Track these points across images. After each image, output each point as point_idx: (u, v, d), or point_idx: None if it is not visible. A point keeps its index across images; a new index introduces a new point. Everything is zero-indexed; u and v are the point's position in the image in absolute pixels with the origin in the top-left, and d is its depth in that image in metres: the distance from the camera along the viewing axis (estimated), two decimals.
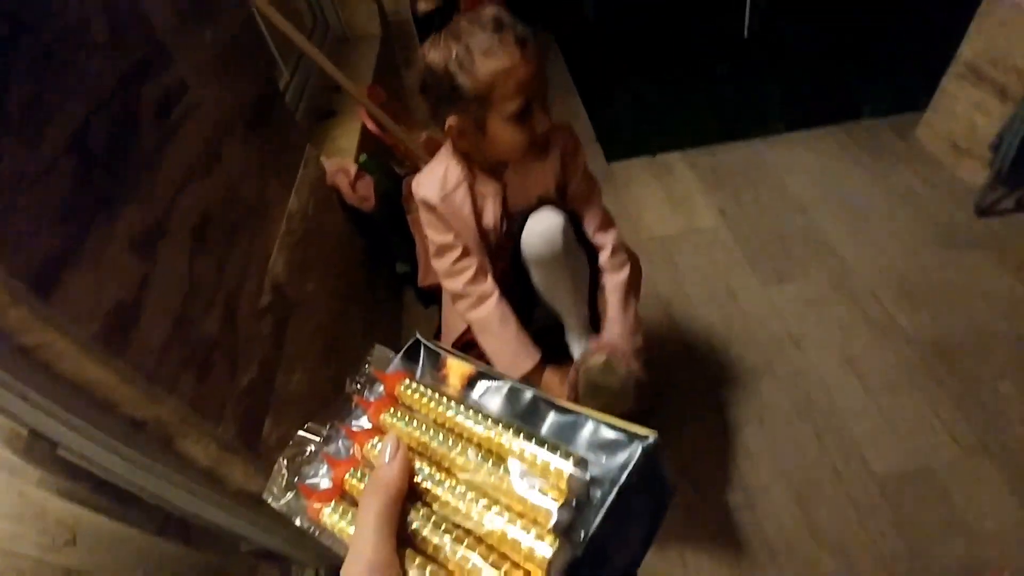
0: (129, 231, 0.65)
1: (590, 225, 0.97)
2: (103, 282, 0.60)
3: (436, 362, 0.35)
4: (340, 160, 1.42)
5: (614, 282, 0.98)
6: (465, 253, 0.93)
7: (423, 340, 0.37)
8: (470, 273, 0.94)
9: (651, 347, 1.52)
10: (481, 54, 0.73)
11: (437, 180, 0.90)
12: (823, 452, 1.29)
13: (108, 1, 0.67)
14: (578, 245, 0.95)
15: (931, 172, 1.89)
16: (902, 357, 1.43)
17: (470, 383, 0.33)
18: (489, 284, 0.95)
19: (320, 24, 2.09)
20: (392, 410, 0.33)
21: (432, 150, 1.76)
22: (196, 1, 0.88)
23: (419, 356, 0.36)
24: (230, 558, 1.10)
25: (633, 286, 1.02)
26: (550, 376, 0.99)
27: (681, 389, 1.44)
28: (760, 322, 1.56)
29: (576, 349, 1.06)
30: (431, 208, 0.91)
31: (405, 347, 0.38)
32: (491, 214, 0.91)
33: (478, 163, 0.90)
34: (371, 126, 1.59)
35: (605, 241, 0.98)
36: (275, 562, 1.16)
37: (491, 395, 0.32)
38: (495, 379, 0.32)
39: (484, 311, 0.94)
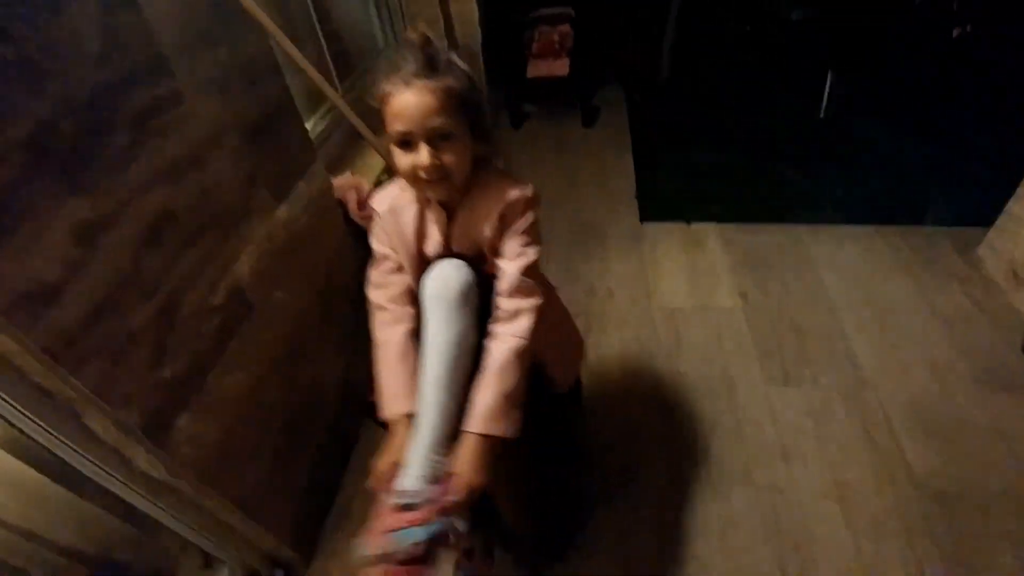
0: (71, 219, 0.71)
1: (500, 285, 0.86)
2: (27, 264, 0.66)
3: None
4: (353, 177, 1.49)
5: (497, 349, 0.82)
6: (398, 270, 0.94)
7: None
8: (395, 290, 0.93)
9: (626, 412, 1.45)
10: (383, 71, 0.77)
11: (392, 194, 0.92)
12: None
13: (108, 19, 0.75)
14: (472, 323, 0.84)
15: (985, 296, 1.67)
16: (900, 498, 1.25)
17: None
18: (407, 312, 0.92)
19: (390, 46, 2.23)
20: None
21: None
22: (211, 23, 0.97)
23: None
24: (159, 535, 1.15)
25: (519, 368, 0.82)
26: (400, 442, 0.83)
27: (645, 471, 1.35)
28: (752, 422, 1.43)
29: (414, 464, 0.79)
30: (378, 217, 0.93)
31: None
32: (433, 243, 0.90)
33: (427, 196, 0.89)
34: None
35: (506, 305, 0.85)
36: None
37: None
38: None
39: (391, 336, 0.90)
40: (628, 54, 2.88)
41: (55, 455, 0.87)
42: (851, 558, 1.17)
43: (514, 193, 0.85)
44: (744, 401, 1.48)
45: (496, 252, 0.89)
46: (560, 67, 2.44)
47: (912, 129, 2.36)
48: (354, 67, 2.03)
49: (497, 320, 0.85)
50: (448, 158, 0.78)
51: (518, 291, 0.85)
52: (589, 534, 1.24)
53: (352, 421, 1.47)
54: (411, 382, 0.85)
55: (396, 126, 0.76)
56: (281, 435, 1.17)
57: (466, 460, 0.78)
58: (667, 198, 2.21)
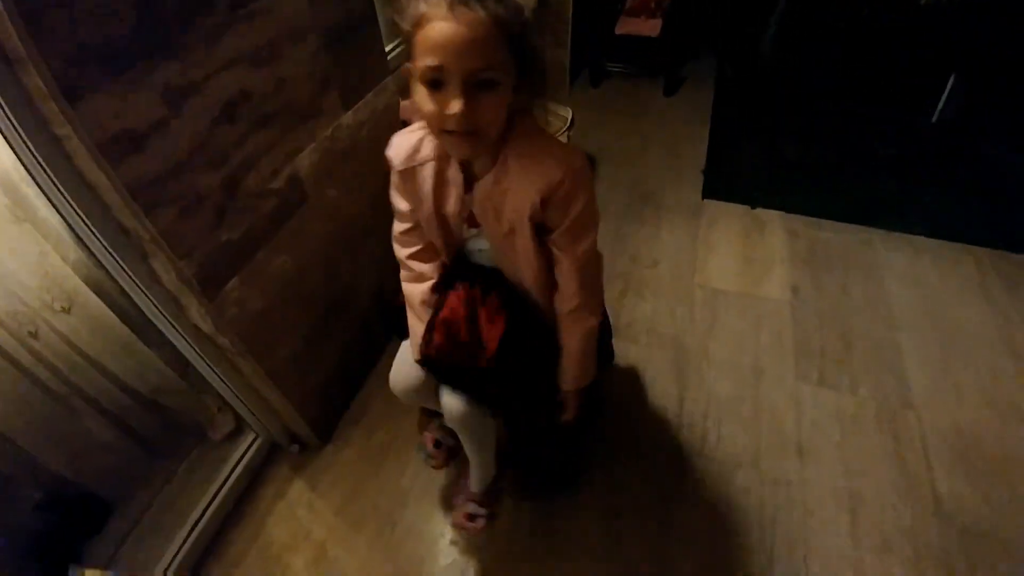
0: (164, 80, 0.79)
1: (559, 277, 0.86)
2: (124, 110, 0.75)
3: None
4: None
5: (572, 338, 0.91)
6: (415, 227, 0.92)
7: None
8: (415, 249, 0.93)
9: (642, 377, 1.45)
10: None
11: (408, 147, 0.82)
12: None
13: None
14: (482, 419, 0.99)
15: None
16: (919, 525, 1.19)
17: None
18: (430, 268, 0.93)
19: None
20: None
21: None
22: None
23: None
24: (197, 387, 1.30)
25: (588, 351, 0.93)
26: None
27: (651, 433, 1.35)
28: (772, 413, 1.39)
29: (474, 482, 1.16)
30: (393, 171, 0.85)
31: None
32: (453, 204, 0.83)
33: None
34: None
35: (571, 298, 0.86)
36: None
37: None
38: None
39: (416, 290, 0.93)
40: (729, 25, 2.70)
41: (125, 295, 1.00)
42: (848, 567, 1.13)
43: (557, 172, 0.72)
44: (768, 391, 1.44)
45: (537, 226, 0.80)
46: (652, 27, 2.34)
47: None
48: None
49: (563, 310, 0.88)
50: (484, 112, 0.64)
51: (580, 286, 0.84)
52: (585, 482, 1.28)
53: (383, 329, 1.56)
54: None
55: (427, 59, 0.61)
56: (316, 322, 1.27)
57: (568, 405, 0.99)
58: (736, 179, 2.11)
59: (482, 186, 0.78)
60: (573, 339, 0.90)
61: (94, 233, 0.84)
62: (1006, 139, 2.14)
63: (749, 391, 1.44)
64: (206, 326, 1.00)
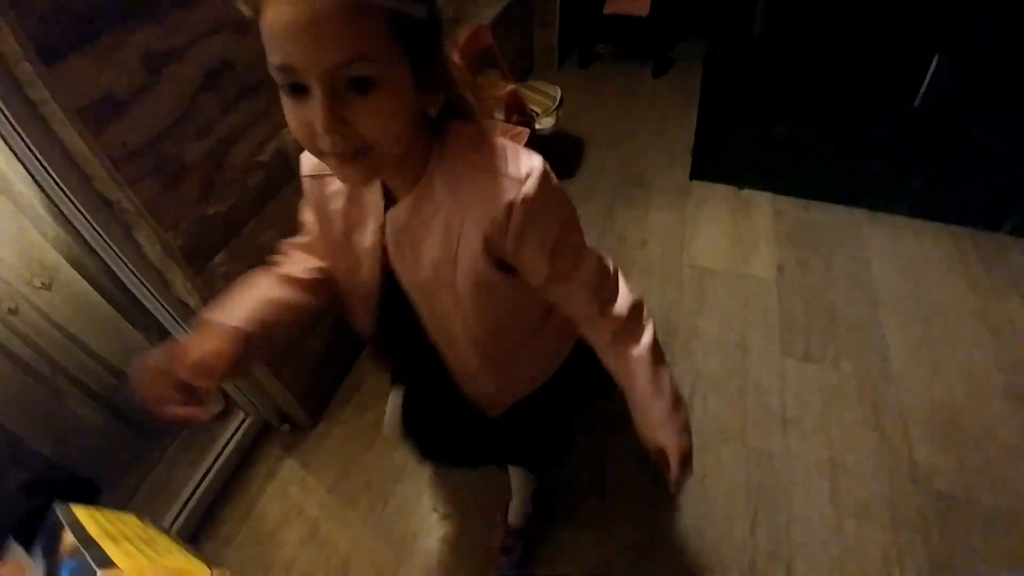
0: (144, 45, 0.77)
1: (580, 316, 0.67)
2: (103, 74, 0.73)
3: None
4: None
5: (636, 354, 0.65)
6: (307, 248, 0.71)
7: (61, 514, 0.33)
8: (293, 268, 0.69)
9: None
10: None
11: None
12: (750, 541, 1.17)
13: None
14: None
15: None
16: (896, 491, 1.23)
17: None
18: (304, 270, 0.69)
19: None
20: None
21: (510, 107, 1.79)
22: None
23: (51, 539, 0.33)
24: None
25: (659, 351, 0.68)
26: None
27: None
28: (757, 387, 1.42)
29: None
30: (301, 177, 0.66)
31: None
32: (367, 237, 0.63)
33: None
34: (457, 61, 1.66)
35: (605, 324, 0.65)
36: None
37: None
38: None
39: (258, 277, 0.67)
40: (719, 6, 2.69)
41: (107, 272, 0.98)
42: (829, 531, 1.17)
43: (500, 199, 0.53)
44: (755, 367, 1.46)
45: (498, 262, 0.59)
46: (641, 6, 2.32)
47: (1013, 131, 2.13)
48: None
49: (602, 344, 0.67)
50: (365, 121, 0.46)
51: (606, 303, 0.65)
52: (573, 457, 1.29)
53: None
54: (239, 299, 0.63)
55: (273, 56, 0.43)
56: None
57: (670, 457, 0.69)
58: (724, 160, 2.12)
59: (395, 215, 0.58)
60: (634, 367, 0.66)
61: (75, 205, 0.82)
62: (987, 121, 2.17)
63: (736, 366, 1.46)
64: (193, 301, 0.99)
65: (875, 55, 2.47)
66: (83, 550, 0.35)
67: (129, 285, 0.98)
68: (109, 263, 0.93)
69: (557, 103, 1.86)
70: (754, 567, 1.12)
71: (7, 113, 0.70)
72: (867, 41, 2.43)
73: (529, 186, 0.52)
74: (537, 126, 1.80)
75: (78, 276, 1.07)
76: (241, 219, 1.01)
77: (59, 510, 0.42)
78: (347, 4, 0.41)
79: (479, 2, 2.12)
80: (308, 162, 0.64)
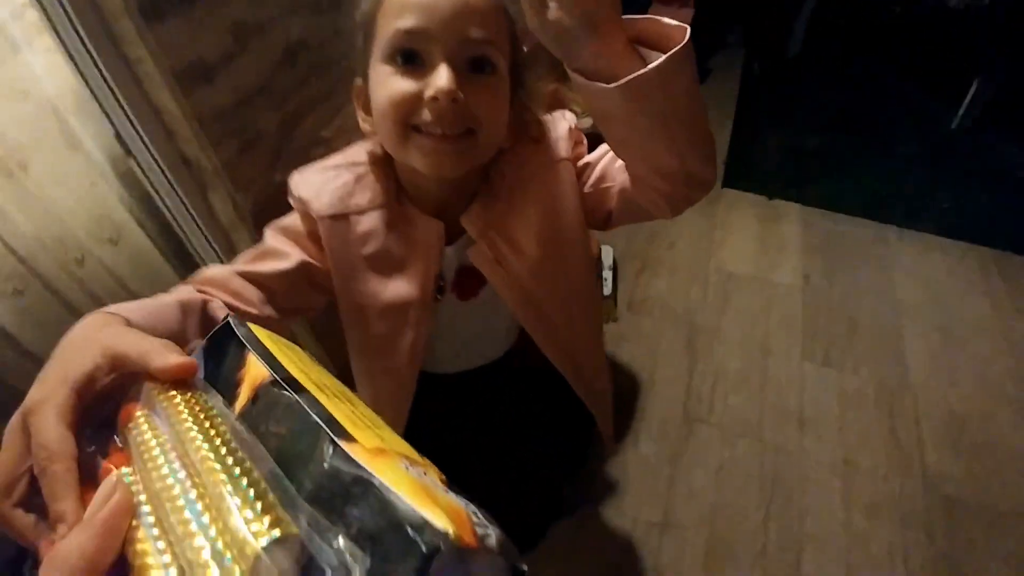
0: (234, 15, 0.83)
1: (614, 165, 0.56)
2: (197, 38, 0.79)
3: (239, 360, 0.27)
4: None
5: None
6: (268, 291, 0.53)
7: (235, 324, 0.29)
8: (241, 303, 0.50)
9: (653, 347, 1.51)
10: None
11: (337, 187, 0.55)
12: (761, 531, 1.21)
13: None
14: None
15: None
16: (906, 492, 1.26)
17: (256, 397, 0.25)
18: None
19: None
20: (146, 413, 0.26)
21: (551, 105, 1.84)
22: None
23: (225, 346, 0.28)
24: None
25: None
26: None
27: (659, 399, 1.42)
28: (777, 387, 1.46)
29: None
30: (306, 218, 0.56)
31: (213, 331, 0.29)
32: (416, 277, 0.55)
33: (408, 184, 0.55)
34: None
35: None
36: None
37: (278, 416, 0.23)
38: (287, 393, 0.23)
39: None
40: (759, 18, 2.71)
41: (167, 233, 1.04)
42: (838, 526, 1.21)
43: (563, 124, 0.56)
44: (775, 368, 1.50)
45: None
46: (683, 16, 2.35)
47: None
48: None
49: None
50: (481, 99, 0.45)
51: None
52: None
53: None
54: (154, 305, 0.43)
55: (401, 21, 0.43)
56: None
57: None
58: (755, 169, 2.15)
59: (476, 214, 0.53)
60: None
61: (157, 161, 0.88)
62: (1021, 146, 2.18)
63: (756, 367, 1.50)
64: None
65: (914, 76, 2.48)
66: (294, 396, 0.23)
67: (195, 243, 1.04)
68: (179, 221, 0.99)
69: None
70: (765, 554, 1.16)
71: (102, 67, 0.76)
72: (906, 63, 2.44)
73: (570, 116, 0.58)
74: (579, 124, 1.84)
75: (143, 235, 1.13)
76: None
77: (235, 325, 0.29)
78: (495, 3, 0.45)
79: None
80: (324, 198, 0.54)
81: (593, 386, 0.72)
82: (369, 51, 0.48)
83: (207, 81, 0.82)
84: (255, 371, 0.25)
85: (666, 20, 0.40)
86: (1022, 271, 1.76)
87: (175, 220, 1.00)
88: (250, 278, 0.52)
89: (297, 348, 0.32)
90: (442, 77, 0.42)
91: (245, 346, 0.27)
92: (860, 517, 1.22)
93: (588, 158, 0.58)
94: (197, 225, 0.99)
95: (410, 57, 0.44)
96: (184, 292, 0.45)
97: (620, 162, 0.53)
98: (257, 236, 1.00)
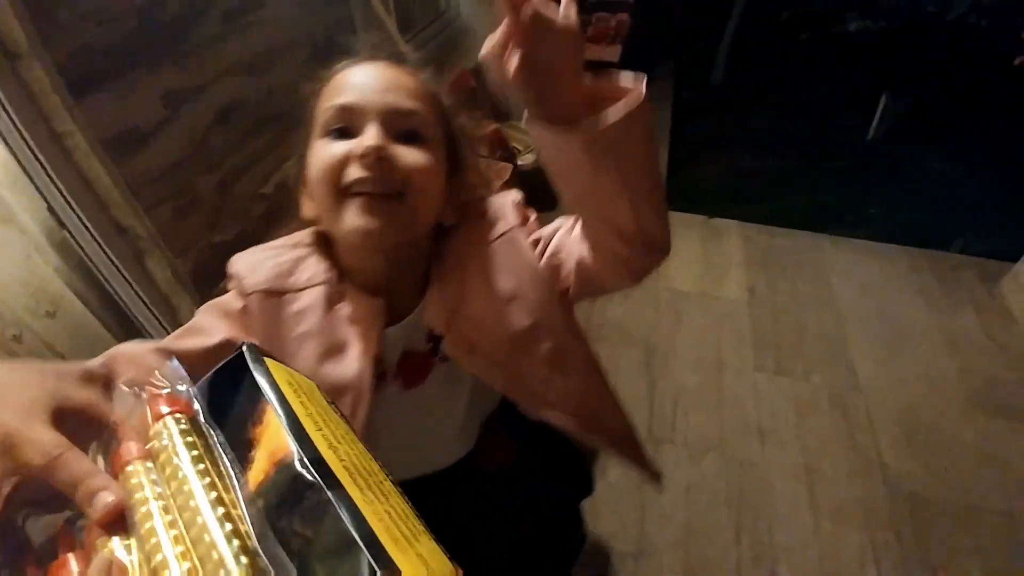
0: (164, 83, 0.85)
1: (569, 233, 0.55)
2: (127, 108, 0.80)
3: (254, 408, 0.24)
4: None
5: None
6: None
7: (251, 357, 0.26)
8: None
9: (612, 369, 1.52)
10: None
11: (276, 264, 0.53)
12: (734, 547, 1.21)
13: None
14: None
15: (999, 327, 1.67)
16: (869, 493, 1.29)
17: (276, 471, 0.22)
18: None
19: (453, 9, 2.35)
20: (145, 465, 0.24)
21: (493, 144, 1.91)
22: None
23: (237, 382, 0.26)
24: None
25: None
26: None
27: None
28: (735, 401, 1.49)
29: None
30: (239, 296, 0.53)
31: (225, 361, 0.27)
32: (353, 359, 0.51)
33: (349, 264, 0.54)
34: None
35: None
36: None
37: (305, 515, 0.21)
38: (315, 481, 0.21)
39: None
40: (683, 51, 2.91)
41: (107, 303, 1.02)
42: (809, 534, 1.22)
43: (507, 199, 0.57)
44: (731, 382, 1.54)
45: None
46: (610, 53, 2.51)
47: (958, 158, 2.33)
48: (414, 25, 2.15)
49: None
50: (410, 162, 0.46)
51: None
52: None
53: None
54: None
55: (336, 99, 0.47)
56: None
57: None
58: (693, 191, 2.26)
59: (435, 305, 0.53)
60: None
61: (90, 232, 0.88)
62: (932, 150, 2.38)
63: (713, 382, 1.54)
64: None
65: (829, 95, 2.70)
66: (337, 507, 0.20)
67: (135, 311, 1.02)
68: (117, 290, 0.98)
69: None
70: (740, 570, 1.17)
71: (31, 142, 0.76)
72: (820, 84, 2.66)
73: (514, 193, 0.58)
74: (519, 162, 1.91)
75: (82, 306, 1.10)
76: (244, 247, 1.07)
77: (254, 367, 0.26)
78: (419, 83, 0.50)
79: (461, 50, 2.27)
80: (260, 273, 0.52)
81: (615, 431, 0.65)
82: (308, 135, 0.50)
83: (139, 148, 0.83)
84: (276, 438, 0.23)
85: (624, 74, 0.41)
86: (950, 267, 1.89)
87: (113, 289, 0.98)
88: (168, 356, 0.45)
89: (313, 387, 0.30)
90: (370, 135, 0.45)
91: (261, 393, 0.24)
92: (828, 523, 1.24)
93: (540, 233, 0.56)
94: (136, 293, 0.97)
95: (343, 131, 0.47)
96: (94, 363, 0.43)
97: (576, 232, 0.52)
98: (199, 300, 0.99)
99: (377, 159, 0.44)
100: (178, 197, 0.91)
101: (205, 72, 0.92)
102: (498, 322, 0.53)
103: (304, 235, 0.56)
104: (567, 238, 0.54)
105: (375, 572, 0.19)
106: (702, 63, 2.91)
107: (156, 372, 0.28)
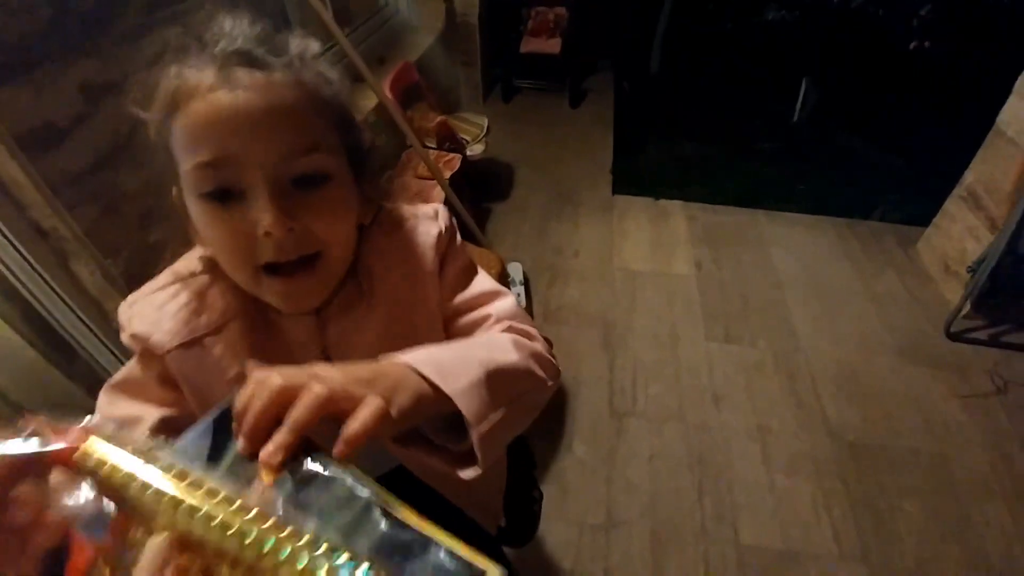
0: (82, 77, 0.80)
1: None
2: (42, 102, 0.75)
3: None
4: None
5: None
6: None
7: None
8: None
9: (575, 351, 1.56)
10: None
11: (178, 309, 0.47)
12: (698, 507, 1.26)
13: None
14: None
15: (918, 285, 1.83)
16: (816, 445, 1.38)
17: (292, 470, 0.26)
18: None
19: (391, 7, 2.32)
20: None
21: (441, 136, 1.90)
22: None
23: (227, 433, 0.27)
24: None
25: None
26: None
27: (586, 401, 1.46)
28: (690, 370, 1.56)
29: None
30: (148, 360, 0.48)
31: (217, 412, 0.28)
32: None
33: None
34: (389, 95, 1.76)
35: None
36: None
37: (317, 489, 0.25)
38: (327, 467, 0.25)
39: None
40: (621, 43, 3.00)
41: (30, 318, 0.95)
42: (765, 489, 1.29)
43: (432, 227, 0.52)
44: (686, 353, 1.60)
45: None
46: (552, 46, 2.56)
47: (873, 137, 2.52)
48: (352, 19, 2.11)
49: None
50: (320, 217, 0.41)
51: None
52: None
53: None
54: None
55: (199, 153, 0.38)
56: None
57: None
58: (640, 176, 2.34)
59: (335, 315, 0.48)
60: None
61: (5, 235, 0.81)
62: (850, 129, 2.56)
63: (669, 354, 1.60)
64: None
65: (755, 82, 2.85)
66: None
67: (62, 320, 0.95)
68: (40, 298, 0.91)
69: (485, 131, 1.99)
70: (705, 529, 1.22)
71: None
72: (747, 71, 2.82)
73: (444, 214, 0.53)
74: (468, 152, 1.91)
75: (11, 331, 1.02)
76: (181, 248, 1.02)
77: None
78: (292, 93, 0.39)
79: (405, 43, 2.25)
80: (166, 328, 0.46)
81: (477, 489, 0.63)
82: (175, 174, 0.41)
83: (57, 144, 0.78)
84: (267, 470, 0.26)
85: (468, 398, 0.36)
86: (872, 234, 2.04)
87: (35, 298, 0.91)
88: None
89: None
90: (266, 213, 0.37)
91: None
92: (781, 477, 1.32)
93: (464, 298, 0.52)
94: (61, 299, 0.91)
95: (223, 195, 0.38)
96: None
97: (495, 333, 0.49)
98: None
99: (286, 232, 0.38)
100: (104, 196, 0.86)
101: (125, 65, 0.87)
102: (383, 336, 0.49)
103: (193, 262, 0.48)
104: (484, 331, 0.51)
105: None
106: (640, 54, 3.01)
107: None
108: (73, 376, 1.09)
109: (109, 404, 0.48)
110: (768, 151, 2.53)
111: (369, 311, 0.48)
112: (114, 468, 0.24)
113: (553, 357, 0.50)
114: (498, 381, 0.38)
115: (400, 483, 0.56)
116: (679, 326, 1.69)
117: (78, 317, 0.94)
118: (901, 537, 1.21)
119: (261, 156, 0.37)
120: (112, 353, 1.00)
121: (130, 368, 0.49)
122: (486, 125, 2.01)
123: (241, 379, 0.43)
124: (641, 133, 2.63)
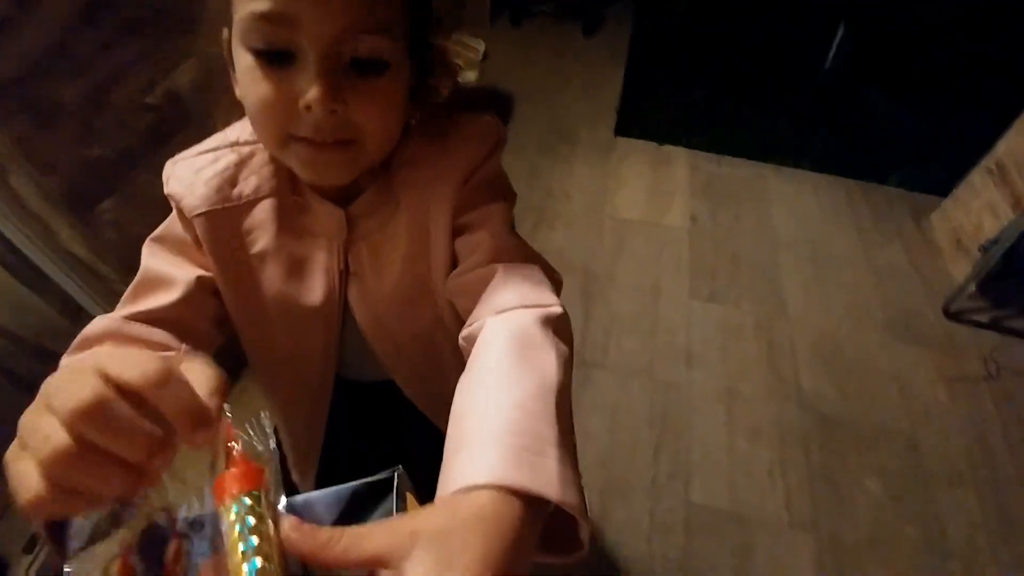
0: None
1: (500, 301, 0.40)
2: None
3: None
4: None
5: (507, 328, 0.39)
6: (181, 314, 0.45)
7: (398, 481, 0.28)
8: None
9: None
10: None
11: (215, 175, 0.46)
12: (652, 463, 1.28)
13: None
14: None
15: (925, 259, 1.73)
16: (783, 415, 1.37)
17: None
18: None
19: None
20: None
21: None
22: None
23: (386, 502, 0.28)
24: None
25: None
26: None
27: None
28: (666, 327, 1.53)
29: None
30: (184, 221, 0.46)
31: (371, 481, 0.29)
32: (319, 283, 0.48)
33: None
34: None
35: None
36: None
37: None
38: None
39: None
40: None
41: None
42: (723, 451, 1.30)
43: (481, 147, 0.48)
44: (665, 308, 1.57)
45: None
46: None
47: (905, 94, 2.31)
48: None
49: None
50: (366, 107, 0.38)
51: (514, 277, 0.43)
52: None
53: None
54: None
55: (256, 2, 0.34)
56: None
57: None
58: (647, 118, 2.19)
59: (374, 226, 0.47)
60: (505, 332, 0.38)
61: None
62: (882, 87, 2.34)
63: (648, 309, 1.56)
64: (82, 251, 0.95)
65: (788, 26, 2.59)
66: None
67: (11, 236, 0.93)
68: None
69: (481, 56, 1.85)
70: (656, 485, 1.24)
71: None
72: (780, 14, 2.56)
73: (498, 132, 0.49)
74: (460, 79, 1.79)
75: None
76: (129, 164, 0.97)
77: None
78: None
79: None
80: (198, 192, 0.45)
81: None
82: (228, 16, 0.37)
83: None
84: None
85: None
86: (885, 201, 1.92)
87: None
88: (144, 319, 0.43)
89: None
90: (313, 86, 0.35)
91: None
92: (743, 440, 1.32)
93: (472, 240, 0.46)
94: (6, 217, 0.88)
95: (277, 56, 0.35)
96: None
97: (498, 299, 0.40)
98: (76, 222, 0.91)
99: (328, 114, 0.36)
100: (37, 106, 0.80)
101: None
102: (391, 271, 0.48)
103: (246, 129, 0.47)
104: (484, 290, 0.42)
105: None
106: None
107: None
108: (43, 286, 1.09)
109: (151, 255, 0.47)
110: (787, 102, 2.34)
111: (395, 213, 0.47)
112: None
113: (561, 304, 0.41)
114: (568, 436, 0.30)
115: (387, 397, 0.58)
116: (663, 280, 1.64)
117: (25, 234, 0.91)
118: (857, 513, 1.23)
119: (323, 22, 0.34)
120: (63, 272, 0.99)
121: (171, 222, 0.48)
122: (483, 50, 1.86)
123: (263, 257, 0.47)
124: (654, 72, 2.44)
